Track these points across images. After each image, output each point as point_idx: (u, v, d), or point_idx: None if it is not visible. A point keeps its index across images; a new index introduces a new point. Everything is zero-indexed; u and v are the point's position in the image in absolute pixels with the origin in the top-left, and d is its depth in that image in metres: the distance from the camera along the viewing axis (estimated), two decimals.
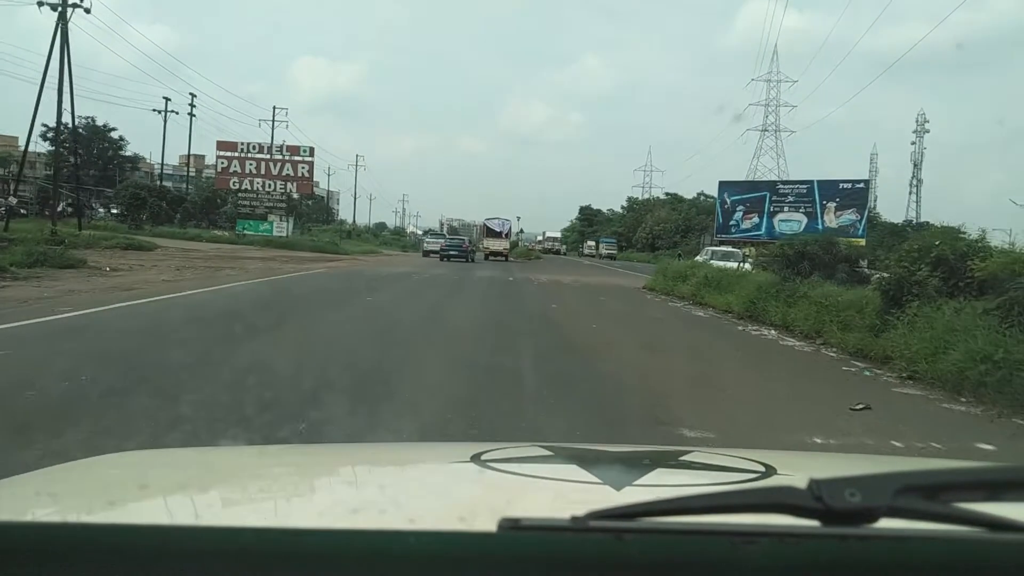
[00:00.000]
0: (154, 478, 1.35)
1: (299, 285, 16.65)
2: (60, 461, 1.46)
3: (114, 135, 61.40)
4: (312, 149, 45.18)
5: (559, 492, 1.25)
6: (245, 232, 42.71)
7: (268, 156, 43.89)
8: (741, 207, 44.10)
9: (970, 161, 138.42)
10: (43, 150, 45.03)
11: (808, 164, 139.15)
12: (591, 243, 75.30)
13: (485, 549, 0.77)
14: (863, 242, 22.69)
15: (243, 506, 1.25)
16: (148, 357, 6.53)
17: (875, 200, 54.34)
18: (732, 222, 44.21)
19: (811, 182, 42.28)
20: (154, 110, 51.50)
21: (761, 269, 13.71)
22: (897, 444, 4.87)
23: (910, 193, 70.70)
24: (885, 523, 0.73)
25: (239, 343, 7.38)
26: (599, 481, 1.23)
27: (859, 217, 39.35)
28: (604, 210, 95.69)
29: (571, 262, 51.12)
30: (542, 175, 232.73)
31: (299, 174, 44.02)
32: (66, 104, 29.00)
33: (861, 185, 42.82)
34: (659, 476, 1.31)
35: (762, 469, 1.37)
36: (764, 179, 57.48)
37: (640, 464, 1.43)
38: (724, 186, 46.11)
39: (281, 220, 43.85)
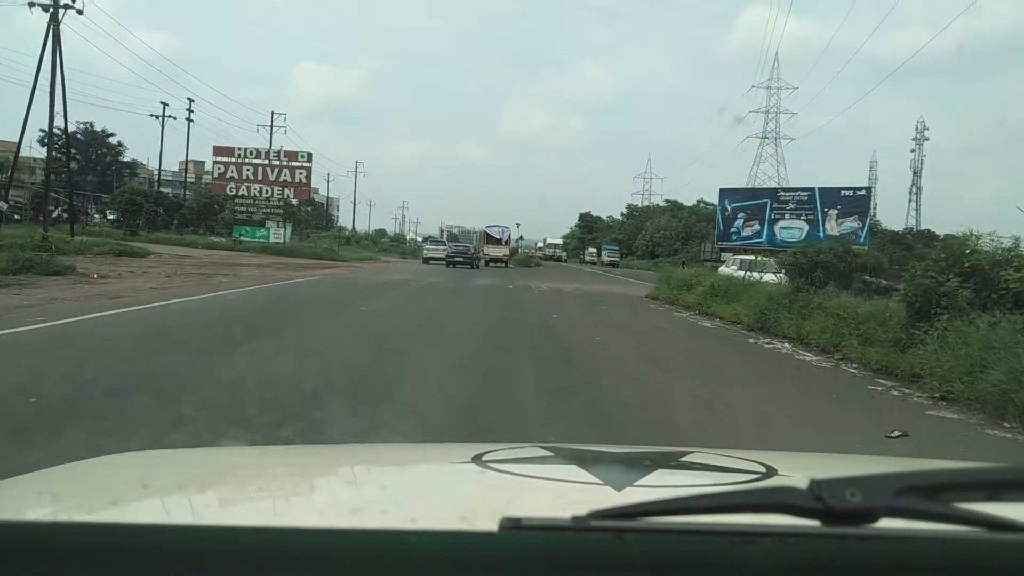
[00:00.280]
0: (156, 478, 1.35)
1: (291, 294, 16.09)
2: None
3: (112, 140, 61.15)
4: (310, 155, 44.63)
5: (560, 492, 1.25)
6: (242, 238, 42.14)
7: (266, 162, 43.29)
8: (742, 214, 43.69)
9: (969, 168, 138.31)
10: (41, 155, 44.49)
11: (808, 171, 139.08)
12: (592, 250, 74.40)
13: (486, 549, 0.76)
14: (865, 250, 22.07)
15: (244, 506, 1.24)
16: (114, 374, 5.96)
17: (875, 208, 54.05)
18: (733, 229, 43.80)
19: (812, 189, 41.91)
20: (151, 115, 51.17)
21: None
22: None
23: (910, 201, 70.48)
24: (885, 523, 0.73)
25: (216, 359, 6.82)
26: (600, 481, 1.23)
27: (861, 225, 38.95)
28: (604, 217, 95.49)
29: (571, 269, 50.54)
30: (542, 181, 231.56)
31: (297, 180, 43.44)
32: (61, 108, 28.61)
33: (863, 192, 42.43)
34: (659, 477, 1.30)
35: (762, 470, 1.36)
36: (764, 186, 57.13)
37: (641, 464, 1.42)
38: (725, 193, 45.71)
39: (278, 226, 43.24)
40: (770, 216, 42.25)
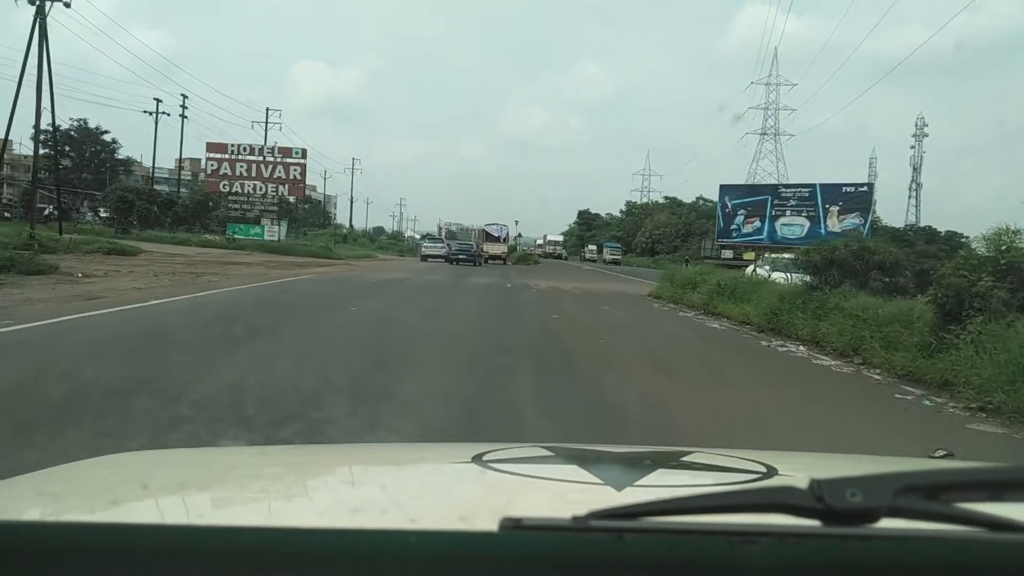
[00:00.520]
0: (155, 478, 1.34)
1: (279, 294, 15.43)
2: None
3: (107, 138, 60.44)
4: (304, 151, 43.79)
5: (560, 492, 1.24)
6: (236, 236, 41.43)
7: (260, 158, 42.49)
8: (742, 211, 43.19)
9: (969, 164, 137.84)
10: (31, 152, 43.81)
11: (807, 168, 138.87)
12: (592, 247, 73.46)
13: (486, 549, 0.76)
14: (881, 247, 21.40)
15: (244, 506, 1.24)
16: (70, 386, 5.36)
17: (875, 204, 53.60)
18: (733, 226, 43.30)
19: (813, 185, 41.42)
20: (145, 111, 50.48)
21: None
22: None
23: (909, 197, 70.17)
24: (886, 523, 0.72)
25: (180, 372, 6.17)
26: (600, 481, 1.22)
27: (863, 221, 38.47)
28: (603, 214, 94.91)
29: (571, 267, 49.85)
30: (541, 179, 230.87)
31: (291, 176, 42.67)
32: (49, 104, 27.94)
33: (865, 188, 41.95)
34: (660, 476, 1.29)
35: (763, 469, 1.35)
36: (764, 183, 56.54)
37: (641, 464, 1.40)
38: (725, 190, 45.18)
39: (273, 224, 42.52)
40: (771, 213, 41.73)
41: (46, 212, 39.45)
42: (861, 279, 10.59)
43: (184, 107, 50.76)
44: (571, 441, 4.54)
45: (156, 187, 54.22)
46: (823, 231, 38.05)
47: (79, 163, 59.26)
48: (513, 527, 0.73)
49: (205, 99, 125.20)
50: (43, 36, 26.66)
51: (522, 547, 0.74)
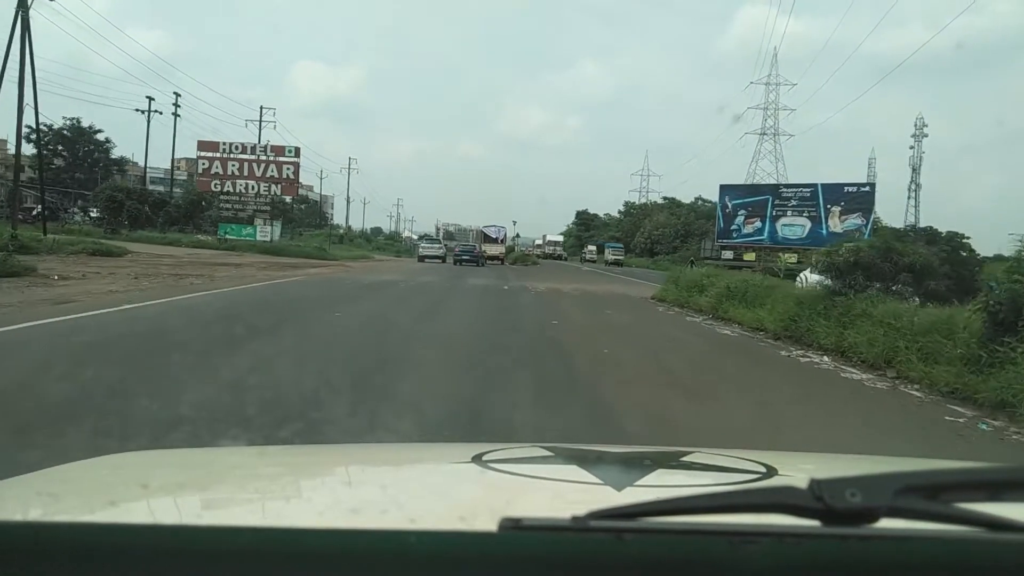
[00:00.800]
0: (155, 478, 1.34)
1: (262, 298, 14.52)
2: None
3: (100, 137, 59.48)
4: (298, 149, 42.85)
5: (560, 492, 1.24)
6: (227, 237, 40.51)
7: (252, 157, 41.55)
8: (743, 211, 42.55)
9: (968, 164, 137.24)
10: (25, 151, 42.86)
11: (807, 168, 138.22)
12: (591, 247, 72.48)
13: (486, 549, 0.76)
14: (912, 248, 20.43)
15: (244, 506, 1.24)
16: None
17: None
18: (734, 227, 42.64)
19: (815, 185, 40.77)
20: (137, 110, 49.61)
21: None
22: None
23: (908, 198, 69.55)
24: (886, 523, 0.72)
25: (130, 387, 5.37)
26: (600, 481, 1.22)
27: (865, 222, 37.80)
28: (601, 215, 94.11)
29: (570, 268, 49.00)
30: (539, 179, 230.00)
31: (284, 175, 41.71)
32: (32, 101, 27.06)
33: (867, 189, 41.30)
34: (660, 476, 1.29)
35: (763, 469, 1.34)
36: (764, 183, 55.83)
37: (641, 464, 1.39)
38: (725, 190, 44.52)
39: (265, 224, 41.59)
40: (772, 213, 41.08)
41: (35, 212, 38.61)
42: (888, 283, 9.73)
43: (176, 104, 49.86)
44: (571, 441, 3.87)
45: (153, 187, 53.37)
46: (824, 232, 37.60)
47: (72, 162, 58.32)
48: (513, 527, 0.72)
49: (202, 99, 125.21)
50: (25, 29, 25.76)
51: (522, 547, 0.73)
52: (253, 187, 41.17)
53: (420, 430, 4.56)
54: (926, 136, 69.84)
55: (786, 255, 32.57)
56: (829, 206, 40.42)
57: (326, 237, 62.60)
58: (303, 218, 78.63)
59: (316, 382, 5.87)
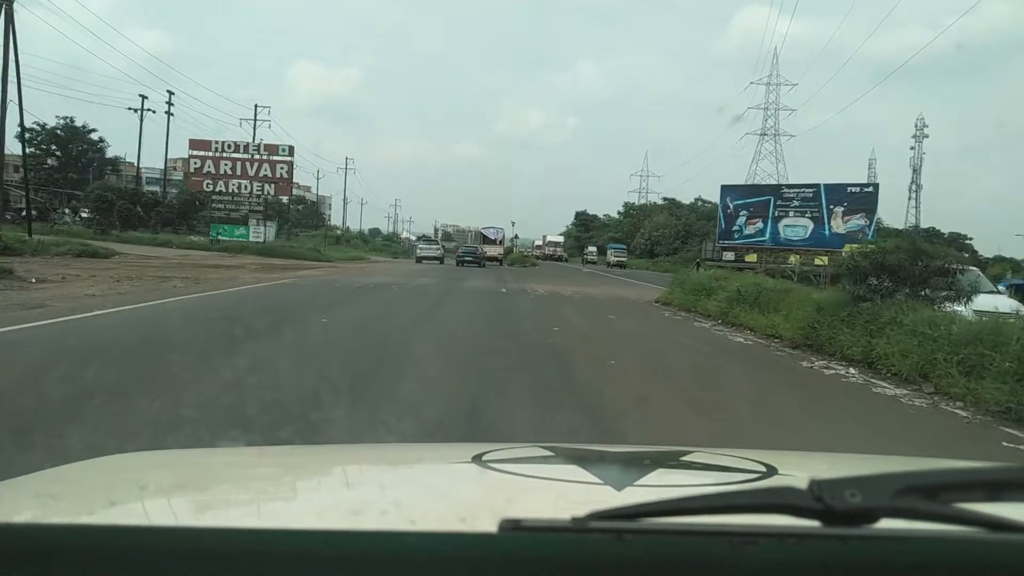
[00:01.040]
0: (154, 479, 1.33)
1: (245, 303, 13.72)
2: None
3: (94, 136, 58.72)
4: (292, 148, 42.07)
5: (560, 493, 1.23)
6: (220, 237, 39.74)
7: (245, 156, 40.78)
8: (744, 212, 41.80)
9: (969, 165, 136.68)
10: (18, 151, 42.09)
11: (807, 169, 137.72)
12: (592, 249, 71.62)
13: (486, 550, 0.76)
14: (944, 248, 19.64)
15: (243, 507, 1.24)
16: None
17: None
18: (735, 227, 41.88)
19: (817, 186, 40.01)
20: (130, 108, 48.83)
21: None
22: None
23: (909, 198, 69.11)
24: (886, 523, 0.72)
25: (97, 398, 4.68)
26: (600, 481, 1.21)
27: (868, 222, 37.03)
28: (600, 216, 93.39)
29: (569, 269, 48.27)
30: (538, 180, 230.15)
31: (278, 175, 40.94)
32: (15, 97, 26.31)
33: (870, 189, 40.49)
34: (660, 476, 1.28)
35: (763, 469, 1.34)
36: (765, 183, 55.21)
37: (641, 464, 1.39)
38: (726, 190, 43.81)
39: (258, 224, 40.79)
40: (773, 214, 40.34)
41: (24, 212, 37.89)
42: (917, 287, 8.98)
43: (170, 103, 49.08)
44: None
45: (149, 187, 52.63)
46: (827, 232, 37.00)
47: (65, 162, 57.56)
48: (513, 528, 0.72)
49: (200, 99, 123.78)
50: (9, 22, 25.05)
51: (522, 548, 0.73)
52: (246, 187, 40.40)
53: None
54: (927, 137, 69.52)
55: (792, 257, 31.84)
56: (832, 207, 39.75)
57: (323, 238, 61.86)
58: (300, 219, 77.95)
59: (278, 417, 5.09)
